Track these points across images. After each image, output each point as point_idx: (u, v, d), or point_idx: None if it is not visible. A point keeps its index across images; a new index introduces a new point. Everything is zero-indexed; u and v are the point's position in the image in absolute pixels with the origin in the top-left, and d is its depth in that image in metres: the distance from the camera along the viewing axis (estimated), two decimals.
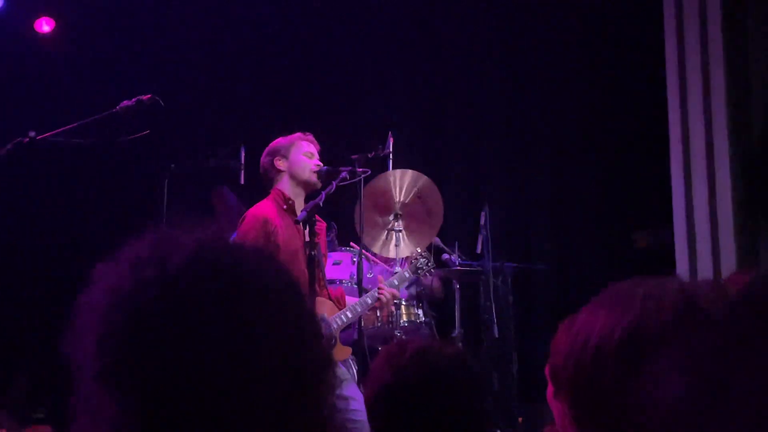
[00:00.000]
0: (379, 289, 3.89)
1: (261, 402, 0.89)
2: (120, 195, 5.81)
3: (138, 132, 3.35)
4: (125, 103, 3.25)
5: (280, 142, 4.00)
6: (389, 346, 1.94)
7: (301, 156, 3.92)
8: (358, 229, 4.31)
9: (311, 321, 0.98)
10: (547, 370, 2.00)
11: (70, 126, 3.16)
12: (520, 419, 5.13)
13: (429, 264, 4.20)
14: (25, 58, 6.17)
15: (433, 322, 5.07)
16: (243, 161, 4.57)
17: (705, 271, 4.43)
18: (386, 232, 4.97)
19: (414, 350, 1.83)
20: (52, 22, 6.28)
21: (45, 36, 6.28)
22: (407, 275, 4.15)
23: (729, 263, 4.36)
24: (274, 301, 0.92)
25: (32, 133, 3.08)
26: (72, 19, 6.24)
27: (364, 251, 5.05)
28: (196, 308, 0.88)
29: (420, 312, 4.97)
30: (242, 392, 0.88)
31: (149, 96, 3.26)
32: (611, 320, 1.09)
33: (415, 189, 4.59)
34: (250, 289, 0.91)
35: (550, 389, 1.85)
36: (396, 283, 4.07)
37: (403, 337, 4.63)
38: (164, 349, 0.86)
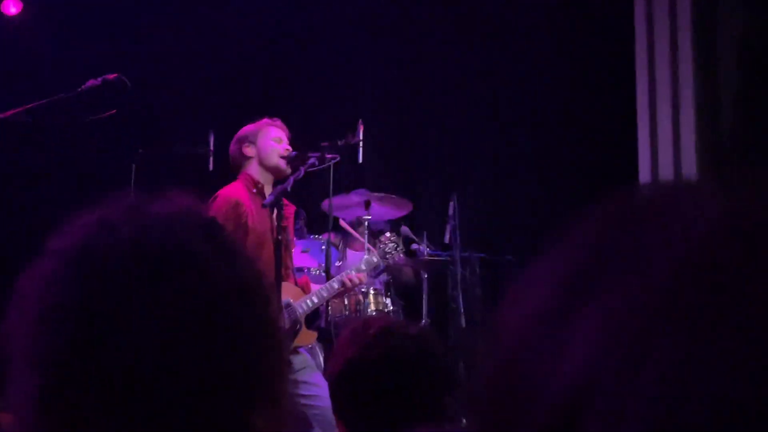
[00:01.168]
0: (345, 273, 3.89)
1: (228, 366, 0.88)
2: (85, 178, 5.72)
3: (103, 113, 3.31)
4: (91, 82, 3.20)
5: (248, 128, 3.97)
6: (354, 323, 1.92)
7: (270, 141, 3.89)
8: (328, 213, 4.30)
9: (260, 285, 0.95)
10: None
11: (33, 104, 3.10)
12: None
13: (397, 249, 4.21)
14: None
15: (400, 311, 5.07)
16: (212, 147, 4.53)
17: None
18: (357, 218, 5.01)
19: (378, 328, 1.82)
20: (20, 4, 6.18)
21: (12, 18, 6.18)
22: (375, 260, 4.15)
23: None
24: (221, 270, 0.90)
25: None
26: (40, 0, 6.15)
27: (347, 228, 5.08)
28: (142, 296, 0.86)
29: (388, 301, 4.97)
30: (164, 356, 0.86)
31: (116, 75, 3.21)
32: None
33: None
34: (193, 258, 0.90)
35: None
36: (363, 267, 4.06)
37: None
38: (117, 326, 0.85)
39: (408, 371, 1.75)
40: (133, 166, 4.55)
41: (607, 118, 5.51)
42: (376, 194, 5.03)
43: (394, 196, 5.16)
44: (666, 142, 4.61)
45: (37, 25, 6.14)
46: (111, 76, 3.23)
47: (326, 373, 1.87)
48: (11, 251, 5.80)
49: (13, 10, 6.18)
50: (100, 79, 3.23)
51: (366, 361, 1.75)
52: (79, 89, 3.21)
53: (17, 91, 5.16)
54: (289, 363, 1.01)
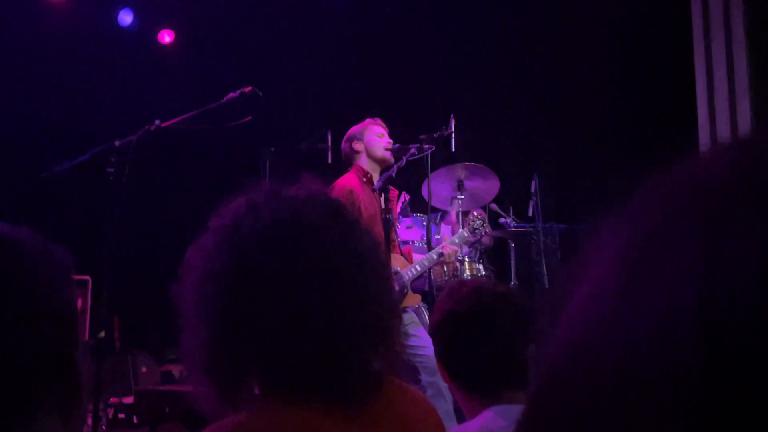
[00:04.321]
0: (442, 246, 3.93)
1: (351, 317, 0.91)
2: (227, 173, 5.95)
3: (241, 119, 3.45)
4: (230, 94, 3.35)
5: (355, 128, 4.07)
6: (452, 283, 1.97)
7: (374, 137, 3.98)
8: (426, 197, 4.34)
9: (375, 252, 1.00)
10: None
11: (187, 115, 3.27)
12: None
13: (484, 225, 4.22)
14: (151, 62, 6.37)
15: (492, 275, 5.08)
16: (330, 144, 4.63)
17: None
18: (451, 198, 5.02)
19: (471, 286, 1.87)
20: (173, 34, 6.47)
21: (166, 45, 6.47)
22: (466, 235, 4.17)
23: None
24: (343, 241, 0.95)
25: (157, 121, 3.21)
26: (188, 30, 6.41)
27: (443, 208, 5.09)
28: (286, 259, 0.91)
29: (481, 267, 4.98)
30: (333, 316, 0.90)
31: (250, 88, 3.35)
32: None
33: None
34: (319, 231, 0.94)
35: None
36: (457, 241, 4.10)
37: None
38: (263, 289, 0.90)
39: (493, 321, 1.79)
40: (267, 162, 4.70)
41: (667, 90, 5.32)
42: (469, 164, 4.94)
43: (483, 166, 5.01)
44: (722, 107, 4.43)
45: (185, 50, 6.41)
46: (246, 89, 3.35)
47: (429, 321, 1.92)
48: (175, 231, 6.14)
49: (167, 38, 6.49)
50: (237, 91, 3.36)
51: (459, 312, 1.80)
52: (221, 101, 3.35)
53: (172, 105, 5.41)
54: (401, 318, 1.03)
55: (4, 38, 5.73)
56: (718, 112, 4.45)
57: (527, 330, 1.89)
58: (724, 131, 4.41)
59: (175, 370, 6.01)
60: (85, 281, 5.60)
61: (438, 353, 1.88)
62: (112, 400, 5.05)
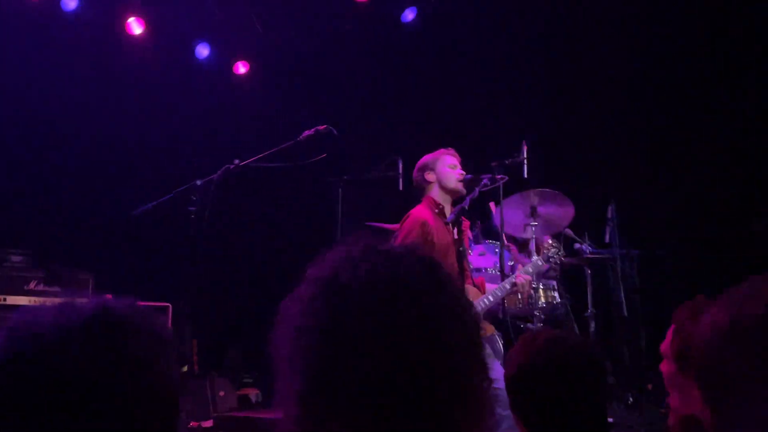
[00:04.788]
0: (516, 275, 3.90)
1: (444, 379, 0.92)
2: (306, 202, 6.07)
3: (316, 155, 3.53)
4: (306, 133, 3.44)
5: (427, 158, 4.05)
6: (525, 334, 1.97)
7: (447, 168, 3.97)
8: (499, 225, 4.31)
9: (468, 310, 1.00)
10: (665, 348, 1.94)
11: (264, 154, 3.38)
12: (649, 386, 4.97)
13: (559, 253, 4.15)
14: (226, 95, 6.56)
15: (568, 304, 5.00)
16: (401, 171, 4.67)
17: None
18: (524, 225, 4.95)
19: (544, 338, 1.86)
20: (247, 65, 6.66)
21: (241, 76, 6.66)
22: (540, 263, 4.11)
23: None
24: (438, 300, 0.96)
25: (236, 161, 3.33)
26: (262, 61, 6.58)
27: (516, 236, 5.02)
28: (375, 311, 0.93)
29: (556, 294, 4.90)
30: (426, 371, 0.91)
31: (325, 126, 3.43)
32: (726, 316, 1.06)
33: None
34: (416, 291, 0.95)
35: (666, 364, 1.81)
36: (531, 270, 4.05)
37: (542, 316, 4.60)
38: (363, 337, 0.92)
39: (569, 375, 1.78)
40: (340, 190, 4.78)
41: (752, 121, 5.15)
42: (543, 190, 4.86)
43: (558, 192, 4.90)
44: None
45: (260, 81, 6.58)
46: (322, 127, 3.44)
47: (504, 372, 1.92)
48: (252, 258, 6.29)
49: (242, 70, 6.68)
50: (313, 129, 3.45)
51: (534, 367, 1.80)
52: (298, 138, 3.45)
53: (245, 138, 5.56)
54: (491, 380, 1.03)
55: (85, 72, 6.00)
56: None
57: (602, 380, 1.87)
58: None
59: (252, 394, 6.13)
60: (166, 308, 5.81)
61: (513, 406, 1.88)
62: (192, 424, 5.18)
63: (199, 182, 3.23)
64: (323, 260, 0.99)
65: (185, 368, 3.30)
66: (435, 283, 0.98)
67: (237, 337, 6.28)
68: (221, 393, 5.93)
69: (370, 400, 0.90)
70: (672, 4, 5.56)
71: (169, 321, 5.76)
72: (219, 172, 3.27)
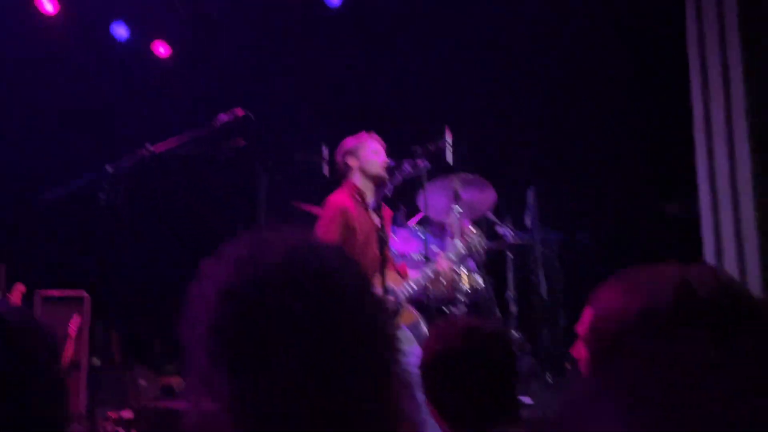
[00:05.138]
0: (437, 261, 3.92)
1: (348, 375, 0.91)
2: (228, 189, 5.96)
3: (233, 142, 3.43)
4: (222, 117, 3.34)
5: (349, 142, 3.98)
6: (440, 322, 1.98)
7: (370, 154, 3.92)
8: (423, 210, 4.33)
9: (379, 305, 1.00)
10: (581, 329, 2.00)
11: (177, 139, 3.26)
12: (567, 366, 5.11)
13: (481, 242, 4.18)
14: (144, 77, 6.36)
15: (491, 288, 5.07)
16: (326, 157, 4.62)
17: (727, 238, 4.32)
18: (447, 210, 5.00)
19: (460, 326, 1.87)
20: (168, 47, 6.46)
21: (162, 59, 6.45)
22: (461, 247, 4.12)
23: (750, 231, 4.24)
24: (350, 294, 0.95)
25: (148, 145, 3.20)
26: (182, 44, 6.40)
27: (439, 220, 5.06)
28: (288, 302, 0.91)
29: (479, 278, 4.97)
30: (330, 364, 0.90)
31: (242, 111, 3.33)
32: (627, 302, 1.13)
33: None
34: (330, 284, 0.94)
35: (578, 345, 1.86)
36: (452, 255, 4.07)
37: (465, 301, 4.66)
38: (266, 336, 0.90)
39: (484, 361, 1.80)
40: (264, 177, 4.70)
41: (665, 110, 5.34)
42: (465, 175, 4.93)
43: (479, 177, 5.02)
44: (719, 129, 4.44)
45: (179, 63, 6.39)
46: (239, 112, 3.34)
47: (420, 364, 1.92)
48: (172, 246, 6.14)
49: (161, 50, 6.47)
50: (230, 114, 3.35)
51: (449, 354, 1.81)
52: (213, 124, 3.34)
53: (161, 121, 5.41)
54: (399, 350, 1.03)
55: None
56: (715, 128, 4.45)
57: (515, 369, 1.90)
58: (720, 146, 4.42)
59: (175, 382, 6.03)
60: (82, 298, 5.62)
61: (427, 392, 1.89)
62: (111, 414, 5.06)
63: (110, 168, 3.10)
64: (221, 258, 0.96)
65: (97, 361, 3.18)
66: (360, 277, 0.97)
67: (159, 326, 6.15)
68: (142, 382, 5.81)
69: (293, 384, 0.89)
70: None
71: (86, 310, 5.59)
72: (131, 158, 3.15)
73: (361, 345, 0.93)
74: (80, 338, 5.48)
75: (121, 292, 5.87)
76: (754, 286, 4.11)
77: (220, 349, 0.92)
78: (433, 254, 4.68)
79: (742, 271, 4.21)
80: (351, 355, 0.92)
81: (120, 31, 6.21)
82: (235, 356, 0.91)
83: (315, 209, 4.61)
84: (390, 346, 0.99)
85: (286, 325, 0.90)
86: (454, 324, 1.90)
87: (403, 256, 4.84)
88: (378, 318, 0.99)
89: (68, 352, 5.29)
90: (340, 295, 0.94)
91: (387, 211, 3.94)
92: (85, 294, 5.63)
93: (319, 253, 0.97)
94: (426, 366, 1.89)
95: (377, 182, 3.91)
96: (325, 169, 4.60)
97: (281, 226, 1.01)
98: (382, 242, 3.62)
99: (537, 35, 5.99)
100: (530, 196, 5.14)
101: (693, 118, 4.57)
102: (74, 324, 5.42)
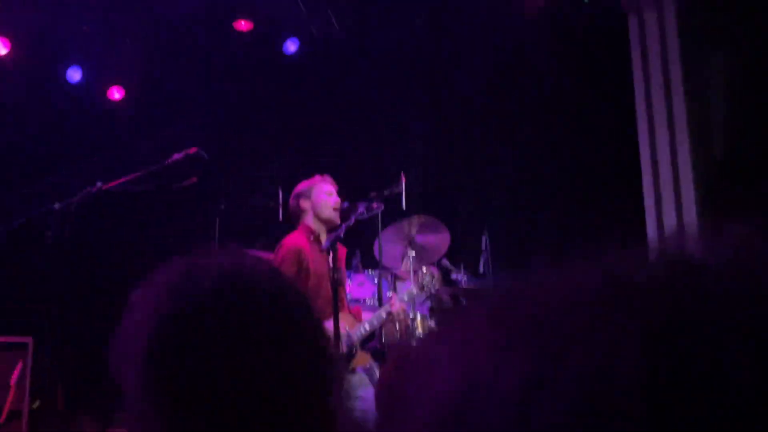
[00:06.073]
0: (390, 303, 3.90)
1: (277, 399, 0.89)
2: (180, 230, 5.87)
3: (186, 180, 3.40)
4: (175, 156, 3.32)
5: (303, 185, 4.03)
6: (396, 355, 1.94)
7: (323, 195, 3.95)
8: (377, 255, 4.32)
9: (318, 326, 0.97)
10: None
11: (130, 176, 3.22)
12: None
13: (433, 281, 4.19)
14: (98, 120, 6.31)
15: None
16: (281, 201, 4.60)
17: None
18: (402, 256, 4.99)
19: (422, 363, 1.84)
20: (122, 91, 6.43)
21: (115, 102, 6.42)
22: (415, 291, 4.14)
23: None
24: (288, 315, 0.92)
25: (99, 183, 3.16)
26: (138, 88, 6.38)
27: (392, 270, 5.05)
28: (224, 329, 0.88)
29: (433, 324, 4.94)
30: (262, 396, 0.88)
31: (195, 149, 3.32)
32: None
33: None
34: (264, 305, 0.91)
35: None
36: (405, 298, 4.07)
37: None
38: (201, 363, 0.88)
39: None
40: (217, 219, 4.65)
41: (613, 143, 5.47)
42: (420, 217, 4.90)
43: (433, 218, 4.99)
44: (666, 178, 4.57)
45: (135, 106, 6.36)
46: (191, 150, 3.32)
47: (375, 396, 1.89)
48: (121, 290, 5.99)
49: (116, 95, 6.44)
50: (182, 153, 3.33)
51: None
52: (166, 162, 3.31)
53: (114, 163, 5.35)
54: (342, 378, 1.01)
55: None
56: (661, 163, 4.58)
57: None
58: (667, 190, 4.54)
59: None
60: (26, 344, 5.42)
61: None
62: None
63: (57, 205, 3.03)
64: (154, 282, 0.94)
65: (37, 404, 3.05)
66: (299, 302, 0.94)
67: (106, 372, 5.94)
68: None
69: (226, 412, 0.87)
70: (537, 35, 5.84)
71: (29, 357, 5.38)
72: (79, 195, 3.09)
73: (303, 366, 0.91)
74: (22, 387, 5.26)
75: (68, 337, 5.69)
76: None
77: (155, 379, 0.89)
78: (387, 299, 4.66)
79: None
80: (293, 379, 0.90)
81: (74, 74, 6.18)
82: (170, 385, 0.88)
83: (264, 254, 4.57)
84: (332, 366, 0.97)
85: (222, 351, 0.87)
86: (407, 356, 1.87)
87: (357, 300, 4.81)
88: (319, 339, 0.97)
89: (7, 403, 5.06)
90: (279, 317, 0.92)
91: (342, 250, 3.93)
92: (29, 340, 5.43)
93: (254, 276, 0.95)
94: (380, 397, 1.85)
95: (329, 224, 3.93)
96: (280, 215, 4.58)
97: (212, 250, 0.98)
98: (336, 282, 3.59)
99: (489, 80, 6.12)
100: (484, 242, 5.17)
101: (640, 162, 4.70)
102: (16, 373, 5.21)
